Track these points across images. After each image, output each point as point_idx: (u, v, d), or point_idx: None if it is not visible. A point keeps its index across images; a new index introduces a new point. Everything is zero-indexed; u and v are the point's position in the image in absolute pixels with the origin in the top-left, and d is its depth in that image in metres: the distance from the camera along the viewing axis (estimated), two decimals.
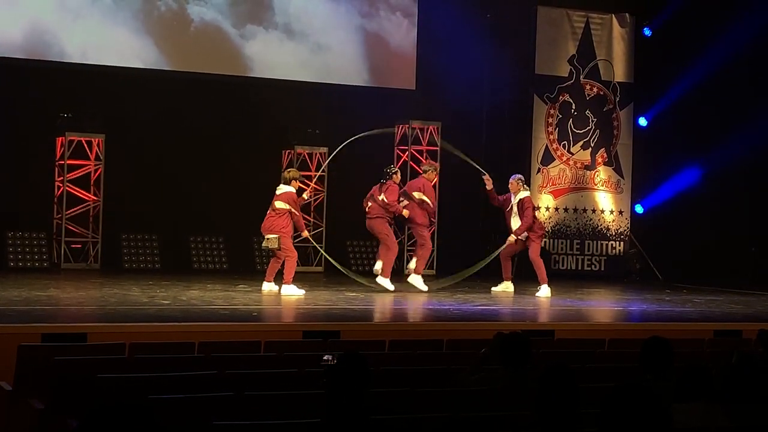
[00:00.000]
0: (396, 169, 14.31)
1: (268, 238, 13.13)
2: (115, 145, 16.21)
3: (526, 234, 14.30)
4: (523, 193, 14.38)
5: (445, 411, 5.74)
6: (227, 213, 16.84)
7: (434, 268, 17.56)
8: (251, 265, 16.68)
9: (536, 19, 18.34)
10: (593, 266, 18.56)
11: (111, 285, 13.52)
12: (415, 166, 16.65)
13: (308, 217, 16.99)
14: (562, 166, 18.44)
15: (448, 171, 17.28)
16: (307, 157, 17.24)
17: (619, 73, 18.85)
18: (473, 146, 18.56)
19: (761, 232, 18.42)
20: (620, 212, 18.80)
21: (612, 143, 18.79)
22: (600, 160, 18.69)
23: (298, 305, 12.33)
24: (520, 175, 14.68)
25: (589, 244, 18.56)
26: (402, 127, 17.90)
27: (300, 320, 11.37)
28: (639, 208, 19.21)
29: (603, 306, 14.73)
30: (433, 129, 17.81)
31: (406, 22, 18.19)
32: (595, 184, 18.67)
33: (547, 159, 18.35)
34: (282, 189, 13.21)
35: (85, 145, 16.12)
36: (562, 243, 18.39)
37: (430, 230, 14.86)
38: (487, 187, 14.58)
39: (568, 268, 18.35)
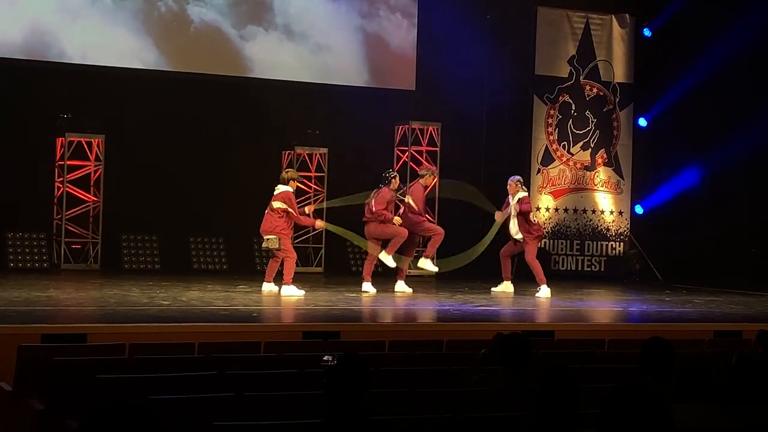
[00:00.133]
0: (395, 174, 14.16)
1: (267, 239, 13.13)
2: (115, 146, 16.22)
3: (521, 235, 14.30)
4: (521, 194, 14.38)
5: (445, 411, 5.74)
6: (227, 213, 16.84)
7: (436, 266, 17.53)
8: (251, 265, 16.68)
9: (536, 19, 18.33)
10: (593, 267, 18.56)
11: (111, 285, 13.52)
12: (414, 167, 16.65)
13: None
14: (561, 166, 18.43)
15: (448, 171, 17.29)
16: (306, 157, 17.25)
17: (619, 73, 18.85)
18: (473, 147, 18.61)
19: (761, 232, 18.42)
20: (620, 213, 18.79)
21: (612, 144, 18.78)
22: (600, 160, 18.69)
23: (298, 306, 12.33)
24: (518, 177, 14.67)
25: (589, 244, 18.56)
26: (402, 128, 17.91)
27: (300, 321, 11.37)
28: (639, 209, 19.21)
29: (603, 306, 14.73)
30: (433, 129, 17.81)
31: (406, 22, 18.19)
32: (595, 185, 18.66)
33: (547, 159, 18.35)
34: (279, 189, 13.20)
35: (85, 146, 16.12)
36: (562, 243, 18.39)
37: (430, 221, 14.83)
38: (497, 219, 14.57)
39: (568, 268, 18.35)
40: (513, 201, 14.36)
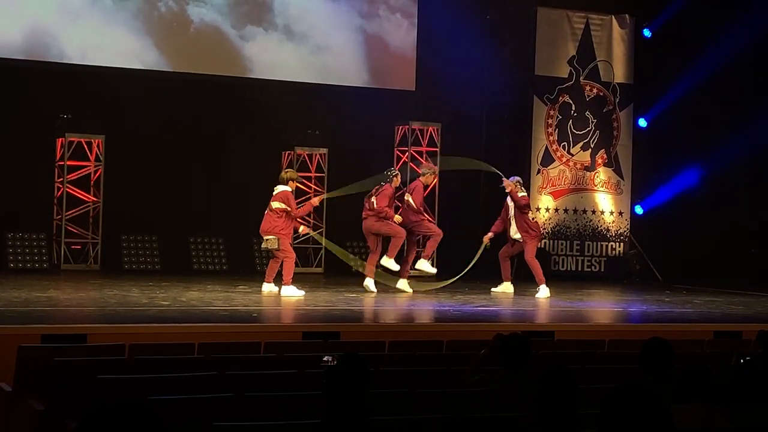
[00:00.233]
0: (396, 172, 14.23)
1: (267, 239, 13.13)
2: (114, 146, 16.22)
3: (519, 234, 14.31)
4: (521, 194, 14.38)
5: (445, 412, 5.74)
6: (227, 214, 16.84)
7: (434, 268, 17.53)
8: (251, 266, 16.68)
9: (536, 20, 18.32)
10: (593, 267, 18.56)
11: (111, 286, 13.52)
12: (414, 167, 16.64)
13: (308, 219, 17.00)
14: (561, 167, 18.43)
15: (448, 171, 17.28)
16: (306, 158, 17.25)
17: (619, 74, 18.85)
18: (473, 147, 18.58)
19: (761, 232, 18.43)
20: (620, 213, 18.79)
21: (612, 144, 18.78)
22: (600, 161, 18.69)
23: (298, 306, 12.33)
24: (518, 178, 14.69)
25: (588, 245, 18.56)
26: (402, 128, 17.91)
27: (300, 321, 11.37)
28: (639, 209, 19.21)
29: (603, 307, 14.73)
30: (433, 130, 17.81)
31: (406, 22, 18.19)
32: (595, 185, 18.66)
33: (547, 160, 18.35)
34: (279, 189, 13.20)
35: (85, 146, 16.12)
36: (561, 244, 18.39)
37: (430, 221, 14.83)
38: (486, 242, 14.62)
39: (568, 269, 18.35)
40: (512, 202, 14.36)
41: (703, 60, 18.12)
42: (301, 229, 13.88)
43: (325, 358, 5.81)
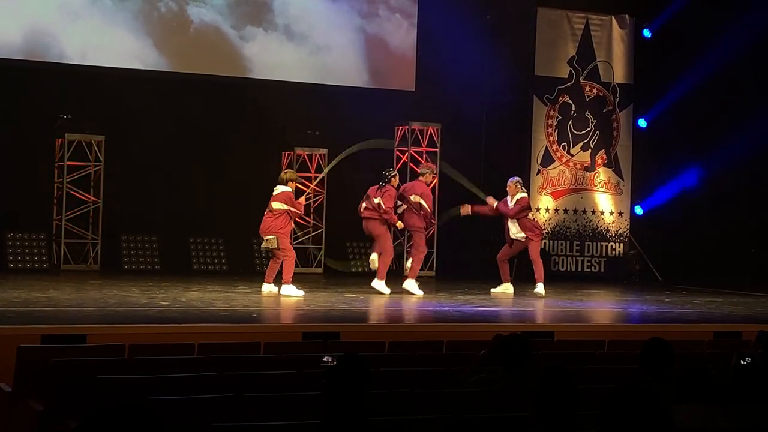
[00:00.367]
0: (395, 172, 14.19)
1: (267, 239, 13.14)
2: (114, 146, 16.22)
3: (524, 234, 14.30)
4: (520, 195, 14.37)
5: (445, 412, 5.74)
6: (227, 214, 16.85)
7: (434, 269, 17.57)
8: (251, 266, 16.68)
9: (536, 20, 18.33)
10: (593, 267, 18.56)
11: (111, 286, 13.52)
12: (414, 167, 16.63)
13: (308, 219, 17.02)
14: (561, 167, 18.43)
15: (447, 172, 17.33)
16: (306, 158, 17.25)
17: (619, 74, 18.85)
18: (473, 147, 18.61)
19: (761, 232, 18.43)
20: (620, 213, 18.80)
21: (612, 144, 18.78)
22: (600, 161, 18.69)
23: (298, 306, 12.33)
24: (518, 178, 14.67)
25: (588, 245, 18.56)
26: (402, 129, 17.91)
27: (299, 321, 11.37)
28: (639, 210, 19.21)
29: (603, 307, 14.73)
30: (433, 130, 17.81)
31: (406, 23, 18.19)
32: (595, 186, 18.66)
33: (547, 160, 18.35)
34: (279, 189, 13.21)
35: (85, 146, 16.12)
36: (561, 244, 18.39)
37: (427, 234, 14.80)
38: (464, 213, 14.62)
39: (568, 269, 18.35)
40: (512, 202, 14.34)
41: (703, 60, 18.13)
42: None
43: (324, 359, 5.81)
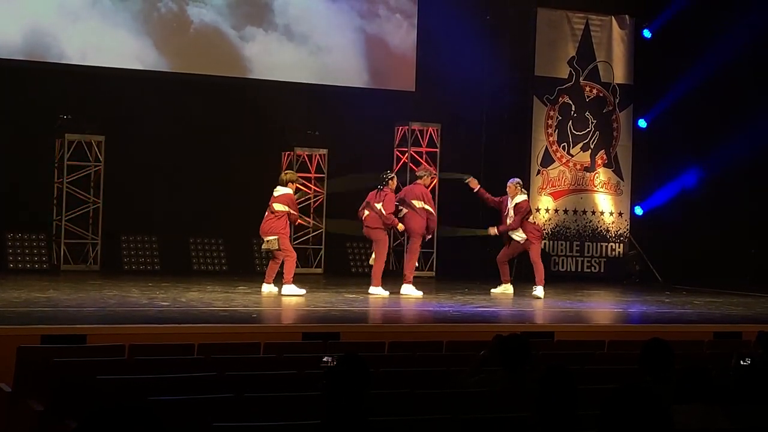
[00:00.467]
0: (392, 175, 14.12)
1: (267, 240, 13.14)
2: (114, 147, 16.21)
3: (524, 236, 14.27)
4: (520, 197, 14.33)
5: (445, 413, 5.74)
6: (227, 214, 16.84)
7: (434, 269, 17.57)
8: (251, 266, 16.68)
9: (536, 20, 18.33)
10: (593, 268, 18.56)
11: (110, 286, 13.52)
12: (414, 168, 16.65)
13: (308, 219, 17.01)
14: (561, 167, 18.43)
15: (448, 172, 17.30)
16: (306, 158, 17.24)
17: (619, 74, 18.85)
18: (473, 148, 18.60)
19: (761, 233, 18.43)
20: (620, 214, 18.79)
21: (612, 145, 18.78)
22: (600, 161, 18.69)
23: (298, 307, 12.33)
24: (518, 179, 14.65)
25: (588, 245, 18.56)
26: (402, 129, 17.90)
27: (299, 322, 11.38)
28: (639, 210, 19.21)
29: (603, 308, 14.73)
30: (433, 130, 17.81)
31: (406, 23, 18.18)
32: (595, 186, 18.66)
33: (547, 161, 18.35)
34: (280, 191, 13.21)
35: (85, 147, 16.12)
36: (561, 245, 18.39)
37: (425, 239, 14.75)
38: (472, 187, 14.55)
39: (568, 269, 18.35)
40: (511, 203, 14.32)
41: (703, 60, 18.13)
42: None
43: (324, 359, 5.81)
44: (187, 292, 13.22)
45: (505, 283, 14.55)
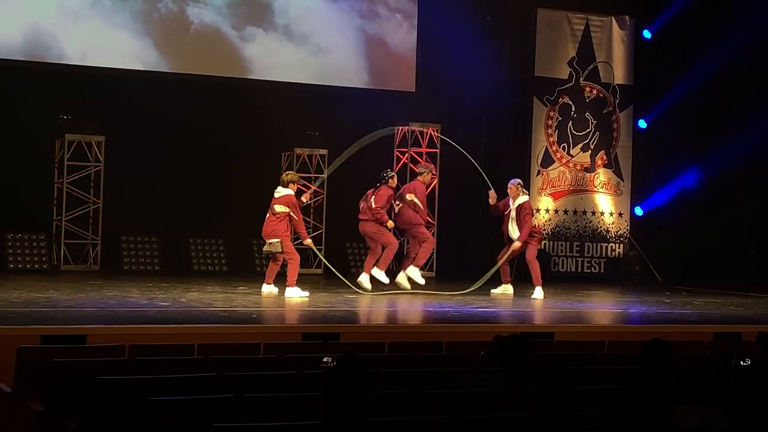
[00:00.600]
0: (392, 174, 14.24)
1: (270, 243, 13.09)
2: (114, 147, 16.21)
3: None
4: (522, 198, 14.33)
5: (445, 413, 5.74)
6: (227, 215, 16.84)
7: (433, 269, 17.56)
8: (251, 267, 16.68)
9: (536, 21, 18.33)
10: (593, 268, 18.56)
11: (110, 287, 13.52)
12: (414, 168, 16.64)
13: (308, 219, 17.00)
14: (561, 168, 18.43)
15: (447, 172, 17.30)
16: (306, 159, 17.24)
17: (619, 75, 18.85)
18: (473, 148, 18.54)
19: (761, 233, 18.43)
20: (620, 214, 18.79)
21: (612, 145, 18.78)
22: (600, 162, 18.69)
23: (298, 307, 12.32)
24: (519, 180, 14.66)
25: (588, 246, 18.56)
26: (401, 129, 17.90)
27: (299, 322, 11.38)
28: (639, 211, 19.21)
29: (603, 308, 14.73)
30: (433, 131, 17.80)
31: (406, 24, 18.18)
32: (595, 187, 18.66)
33: (547, 161, 18.35)
34: (281, 192, 13.19)
35: (85, 147, 16.12)
36: (561, 245, 18.39)
37: (429, 228, 14.82)
38: (490, 202, 14.55)
39: (568, 270, 18.35)
40: (513, 204, 14.32)
41: (703, 61, 18.13)
42: (308, 240, 13.76)
43: (324, 359, 5.82)
44: (187, 292, 13.22)
45: (506, 284, 14.56)
